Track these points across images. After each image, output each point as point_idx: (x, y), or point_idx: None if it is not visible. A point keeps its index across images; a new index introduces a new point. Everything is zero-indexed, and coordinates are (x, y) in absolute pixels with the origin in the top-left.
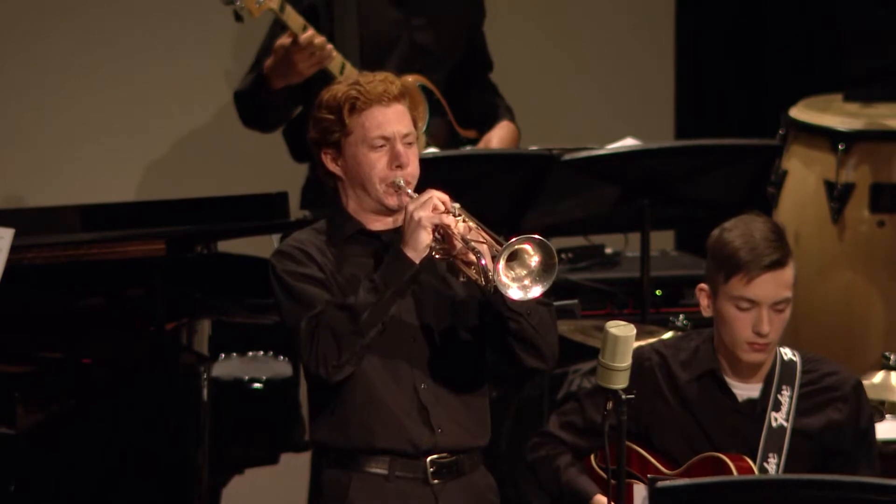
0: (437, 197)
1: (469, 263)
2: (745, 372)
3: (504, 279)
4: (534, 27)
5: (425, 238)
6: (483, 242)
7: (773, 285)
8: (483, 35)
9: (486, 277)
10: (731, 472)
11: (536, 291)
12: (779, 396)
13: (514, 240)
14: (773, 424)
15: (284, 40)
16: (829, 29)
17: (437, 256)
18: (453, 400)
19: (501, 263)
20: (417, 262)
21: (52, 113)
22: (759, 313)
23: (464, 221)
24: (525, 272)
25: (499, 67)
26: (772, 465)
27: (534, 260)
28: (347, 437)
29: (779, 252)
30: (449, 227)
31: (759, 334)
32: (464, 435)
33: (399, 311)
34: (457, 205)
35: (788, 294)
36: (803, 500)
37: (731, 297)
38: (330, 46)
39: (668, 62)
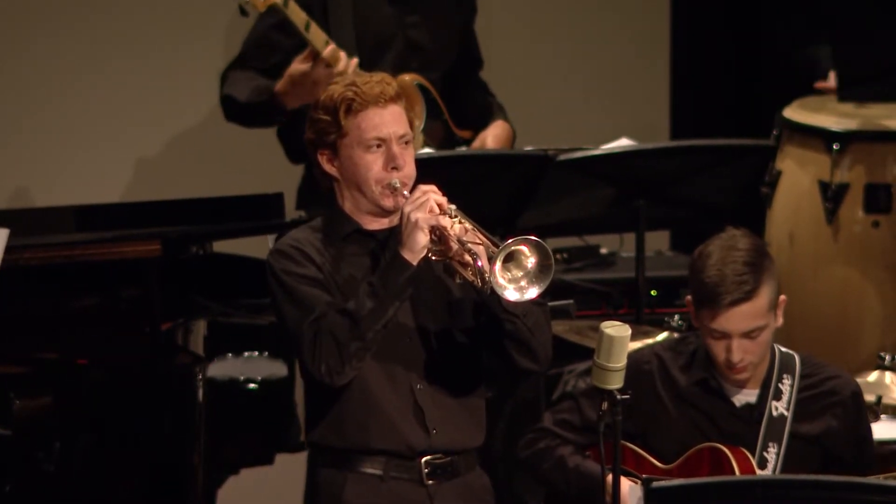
0: (433, 198)
1: (465, 265)
2: (738, 382)
3: (500, 280)
4: (529, 27)
5: (422, 239)
6: (479, 244)
7: (739, 318)
8: (474, 33)
9: (483, 279)
10: (728, 462)
11: (533, 293)
12: (780, 385)
13: (510, 241)
14: (774, 413)
15: (304, 66)
16: (824, 28)
17: (433, 258)
18: (449, 401)
19: (498, 265)
20: (414, 263)
21: (47, 114)
22: (729, 343)
23: (460, 223)
24: (521, 273)
25: (494, 67)
26: (771, 455)
27: (530, 261)
28: (343, 437)
29: (747, 286)
30: (445, 228)
31: (730, 361)
32: (458, 436)
33: (396, 312)
34: (453, 206)
35: (761, 322)
36: (801, 500)
37: (703, 326)
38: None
39: (663, 62)
